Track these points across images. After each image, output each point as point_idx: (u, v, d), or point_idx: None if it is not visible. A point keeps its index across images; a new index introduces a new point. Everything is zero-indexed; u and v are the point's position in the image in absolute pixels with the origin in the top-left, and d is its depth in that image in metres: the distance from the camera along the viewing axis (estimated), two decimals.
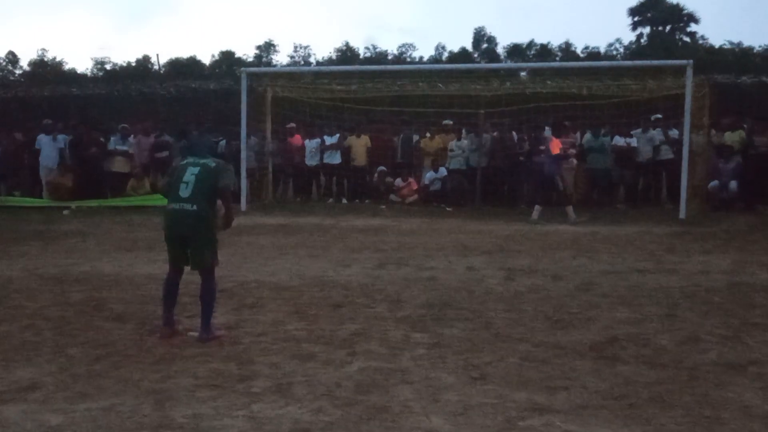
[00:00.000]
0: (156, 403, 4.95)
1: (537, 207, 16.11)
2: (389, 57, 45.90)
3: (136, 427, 4.58)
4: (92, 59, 61.38)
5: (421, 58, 46.40)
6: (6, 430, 4.52)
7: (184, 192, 6.46)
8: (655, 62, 23.67)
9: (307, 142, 20.33)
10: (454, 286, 8.90)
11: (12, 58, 42.86)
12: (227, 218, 6.76)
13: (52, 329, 6.95)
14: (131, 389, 5.24)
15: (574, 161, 18.21)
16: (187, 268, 6.76)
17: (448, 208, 18.11)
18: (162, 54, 63.33)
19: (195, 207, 6.42)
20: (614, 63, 32.03)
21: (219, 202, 6.65)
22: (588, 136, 18.87)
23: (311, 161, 20.26)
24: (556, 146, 16.22)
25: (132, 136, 20.14)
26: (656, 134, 18.53)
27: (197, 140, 19.88)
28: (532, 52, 46.41)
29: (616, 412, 4.80)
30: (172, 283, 6.73)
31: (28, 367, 5.80)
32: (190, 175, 6.50)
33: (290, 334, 6.71)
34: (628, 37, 54.89)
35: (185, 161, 6.69)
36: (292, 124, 20.51)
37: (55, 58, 43.39)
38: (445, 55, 46.83)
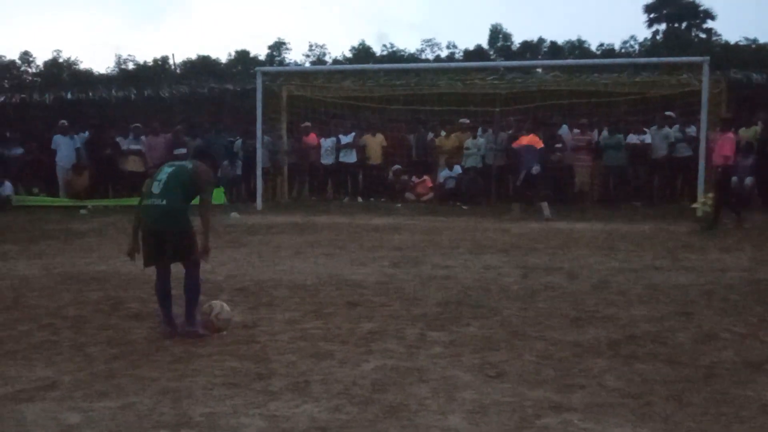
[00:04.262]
0: (173, 401, 4.97)
1: (544, 204, 16.12)
2: (405, 55, 45.74)
3: (154, 425, 4.59)
4: (116, 55, 61.66)
5: (437, 56, 46.18)
6: (26, 429, 4.55)
7: (156, 188, 6.50)
8: (672, 59, 23.57)
9: (322, 140, 20.37)
10: (470, 284, 8.89)
11: (27, 58, 42.98)
12: (204, 247, 6.63)
13: (70, 328, 6.99)
14: (149, 388, 5.26)
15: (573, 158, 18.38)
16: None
17: (463, 207, 18.10)
18: (177, 53, 63.45)
19: (164, 201, 6.45)
20: (630, 60, 31.82)
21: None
22: (605, 133, 18.84)
23: (326, 160, 20.30)
24: (536, 142, 16.49)
25: (144, 136, 20.24)
26: (671, 131, 18.46)
27: (213, 139, 20.16)
28: (545, 49, 46.19)
29: (634, 411, 4.78)
30: (160, 285, 6.74)
31: (47, 365, 5.84)
32: (164, 173, 6.57)
33: (307, 333, 6.72)
34: (643, 33, 54.52)
35: (162, 166, 6.77)
36: (308, 123, 20.56)
37: (69, 58, 43.47)
38: (457, 52, 46.64)
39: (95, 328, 6.98)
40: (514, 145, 17.26)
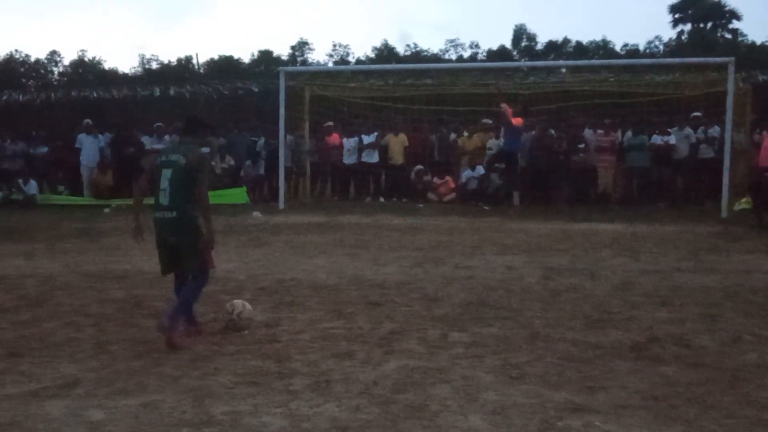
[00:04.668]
0: (195, 399, 4.99)
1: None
2: (428, 55, 45.76)
3: (176, 423, 4.61)
4: (139, 55, 62.11)
5: (460, 56, 46.20)
6: (49, 425, 4.58)
7: (164, 199, 6.40)
8: (697, 59, 23.43)
9: (344, 140, 20.38)
10: (492, 285, 8.87)
11: (53, 58, 43.42)
12: (207, 236, 6.46)
13: (94, 326, 7.03)
14: (171, 386, 5.28)
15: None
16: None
17: (485, 207, 18.05)
18: (200, 53, 63.80)
19: (175, 213, 6.37)
20: (655, 60, 31.68)
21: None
22: (629, 134, 18.75)
23: (349, 160, 20.32)
24: (517, 121, 17.73)
25: (167, 135, 20.35)
26: (692, 132, 18.36)
27: (235, 139, 20.24)
28: (570, 50, 46.05)
29: (656, 413, 4.75)
30: (178, 287, 6.68)
31: (71, 363, 5.88)
32: (165, 180, 6.39)
33: (328, 332, 6.73)
34: (668, 34, 54.31)
35: (159, 161, 6.55)
36: (330, 123, 20.58)
37: (94, 57, 43.89)
38: (481, 53, 46.62)
39: (118, 326, 7.03)
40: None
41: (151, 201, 6.57)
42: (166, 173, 6.42)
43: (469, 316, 7.32)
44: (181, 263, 6.55)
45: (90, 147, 20.16)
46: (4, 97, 25.82)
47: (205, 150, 18.60)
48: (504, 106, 17.94)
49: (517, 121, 17.93)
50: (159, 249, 6.60)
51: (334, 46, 51.51)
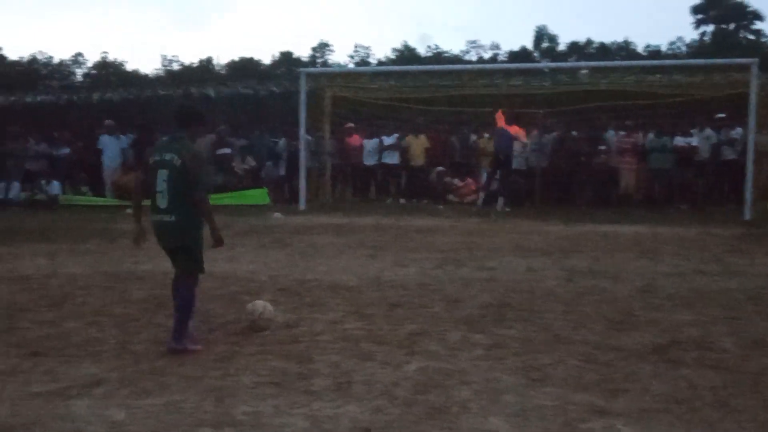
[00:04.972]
0: (217, 400, 5.01)
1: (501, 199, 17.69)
2: (449, 56, 45.78)
3: (198, 423, 4.63)
4: (161, 56, 62.60)
5: (480, 57, 46.16)
6: (72, 425, 4.61)
7: (161, 202, 6.13)
8: (719, 60, 23.29)
9: (365, 141, 20.40)
10: (513, 286, 8.85)
11: (77, 60, 43.85)
12: (215, 237, 6.26)
13: (116, 326, 7.07)
14: (193, 386, 5.31)
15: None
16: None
17: (506, 209, 18.00)
18: (221, 55, 64.16)
19: (173, 218, 6.11)
20: (677, 62, 31.51)
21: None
22: (651, 135, 18.65)
23: (369, 161, 20.34)
24: (513, 129, 17.97)
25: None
26: (712, 133, 18.24)
27: (256, 140, 20.32)
28: (591, 50, 45.92)
29: (679, 416, 4.73)
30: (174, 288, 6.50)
31: (93, 363, 5.92)
32: (161, 182, 6.11)
33: (349, 334, 6.74)
34: (691, 35, 54.01)
35: (153, 160, 6.24)
36: (351, 124, 20.61)
37: (116, 59, 44.30)
38: (501, 54, 46.57)
39: (141, 327, 7.07)
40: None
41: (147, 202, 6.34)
42: (162, 174, 6.13)
43: (490, 318, 7.31)
44: (177, 265, 6.40)
45: (112, 148, 20.28)
46: (28, 99, 26.02)
47: (227, 152, 18.78)
48: (500, 112, 18.27)
49: (514, 129, 18.12)
50: (165, 251, 6.44)
51: (356, 47, 51.65)
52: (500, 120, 18.10)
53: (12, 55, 47.39)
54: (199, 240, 6.27)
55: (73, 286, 9.01)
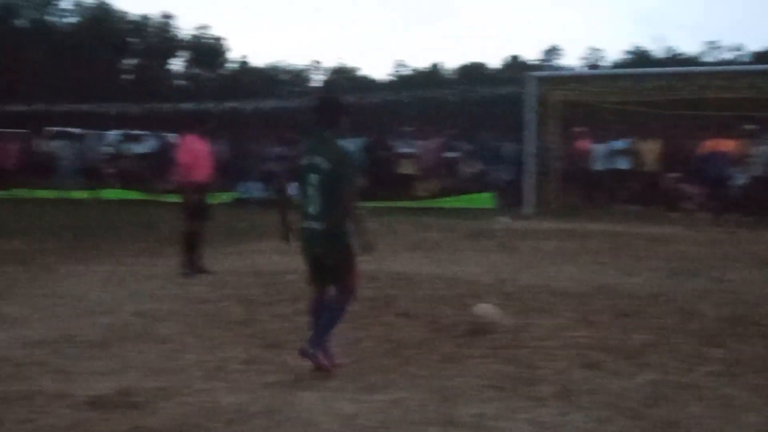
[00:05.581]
0: (441, 400, 5.06)
1: None
2: (684, 57, 43.93)
3: (423, 421, 4.69)
4: (395, 61, 64.49)
5: (721, 59, 43.93)
6: (305, 415, 4.80)
7: (311, 208, 5.81)
8: None
9: (595, 146, 20.03)
10: (754, 300, 8.33)
11: (315, 65, 46.01)
12: (366, 242, 5.86)
13: (347, 323, 7.21)
14: (418, 385, 5.39)
15: None
16: None
17: (746, 217, 17.00)
18: (449, 59, 64.93)
19: (323, 225, 5.76)
20: None
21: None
22: None
23: (599, 165, 19.93)
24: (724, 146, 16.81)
25: (418, 140, 20.86)
26: None
27: (483, 143, 20.40)
28: None
29: None
30: (314, 306, 6.06)
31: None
32: (311, 187, 5.80)
33: (575, 341, 6.61)
34: None
35: (303, 164, 5.92)
36: (581, 128, 20.30)
37: (347, 65, 46.22)
38: (744, 55, 44.06)
39: (368, 324, 7.25)
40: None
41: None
42: (312, 179, 5.82)
43: (727, 332, 6.91)
44: (326, 279, 5.97)
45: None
46: (270, 105, 27.50)
47: (455, 155, 18.99)
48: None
49: (725, 145, 17.24)
50: (305, 260, 6.03)
51: (588, 50, 50.73)
52: (707, 146, 17.21)
53: (257, 62, 50.49)
54: (350, 248, 5.88)
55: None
